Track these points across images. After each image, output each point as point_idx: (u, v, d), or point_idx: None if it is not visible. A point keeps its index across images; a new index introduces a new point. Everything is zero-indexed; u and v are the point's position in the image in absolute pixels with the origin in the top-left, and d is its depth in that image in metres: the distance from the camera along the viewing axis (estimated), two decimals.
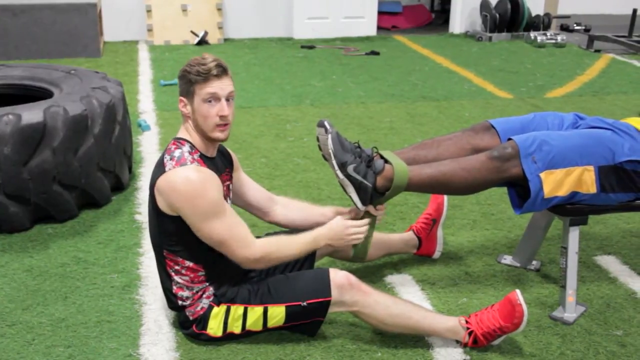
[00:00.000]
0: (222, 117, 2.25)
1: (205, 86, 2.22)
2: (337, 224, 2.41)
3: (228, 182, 2.45)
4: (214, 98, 2.24)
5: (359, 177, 2.39)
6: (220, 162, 2.40)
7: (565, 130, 2.61)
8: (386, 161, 2.46)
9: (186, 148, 2.27)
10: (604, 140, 2.48)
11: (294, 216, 2.61)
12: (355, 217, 2.56)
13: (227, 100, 2.26)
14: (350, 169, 2.38)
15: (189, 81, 2.23)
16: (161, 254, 2.35)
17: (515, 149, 2.42)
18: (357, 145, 2.46)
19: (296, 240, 2.38)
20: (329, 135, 2.38)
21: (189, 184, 2.19)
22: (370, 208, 2.48)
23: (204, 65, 2.21)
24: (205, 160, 2.30)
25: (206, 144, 2.32)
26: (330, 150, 2.38)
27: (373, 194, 2.43)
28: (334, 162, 2.39)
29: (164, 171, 2.23)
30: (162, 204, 2.25)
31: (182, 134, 2.33)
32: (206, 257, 2.33)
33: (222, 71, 2.23)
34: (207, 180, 2.22)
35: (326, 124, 2.40)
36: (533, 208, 2.49)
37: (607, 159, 2.46)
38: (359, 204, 2.44)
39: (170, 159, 2.24)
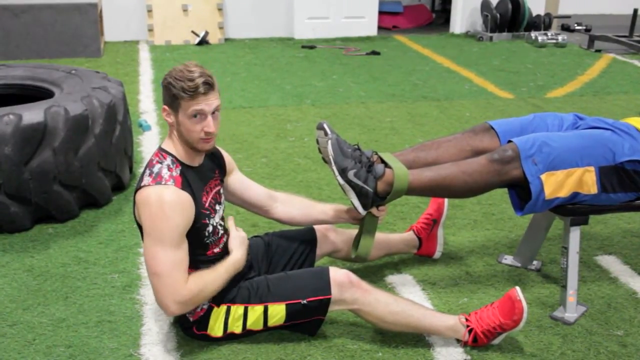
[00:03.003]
0: (207, 133, 2.20)
1: (191, 103, 2.16)
2: (235, 239, 2.38)
3: (218, 187, 2.41)
4: (200, 114, 2.18)
5: (359, 183, 2.39)
6: (207, 168, 2.37)
7: (565, 131, 2.61)
8: (386, 165, 2.46)
9: (167, 162, 2.23)
10: (604, 141, 2.48)
11: (295, 213, 2.61)
12: (356, 218, 2.56)
13: (213, 113, 2.20)
14: (350, 174, 2.38)
15: (174, 95, 2.16)
16: None
17: (516, 152, 2.42)
18: (357, 148, 2.45)
19: (217, 273, 2.28)
20: (329, 141, 2.38)
21: (157, 204, 2.15)
22: (372, 209, 2.48)
23: (191, 81, 2.13)
24: (188, 172, 2.26)
25: (191, 153, 2.28)
26: (331, 156, 2.38)
27: (374, 198, 2.43)
28: (334, 167, 2.39)
29: (140, 186, 2.21)
30: (137, 216, 2.25)
31: (166, 144, 2.29)
32: (203, 262, 2.32)
33: (209, 88, 2.16)
34: (176, 205, 2.16)
35: (325, 127, 2.39)
36: (534, 209, 2.49)
37: (607, 160, 2.46)
38: (360, 209, 2.44)
39: (149, 175, 2.21)
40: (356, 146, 2.47)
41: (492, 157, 2.45)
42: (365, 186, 2.40)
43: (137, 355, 2.36)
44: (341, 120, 4.93)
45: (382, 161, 2.49)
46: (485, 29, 8.00)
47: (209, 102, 2.17)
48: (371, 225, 2.52)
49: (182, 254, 2.20)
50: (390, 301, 2.38)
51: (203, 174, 2.34)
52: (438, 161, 2.58)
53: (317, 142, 2.44)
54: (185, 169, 2.26)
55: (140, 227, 2.27)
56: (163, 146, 2.30)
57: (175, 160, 2.25)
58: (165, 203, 2.15)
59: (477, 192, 2.53)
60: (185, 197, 2.20)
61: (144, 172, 2.25)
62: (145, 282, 2.80)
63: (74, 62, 6.42)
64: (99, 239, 3.16)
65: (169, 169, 2.22)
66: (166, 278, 2.17)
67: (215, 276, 2.27)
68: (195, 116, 2.17)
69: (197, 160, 2.31)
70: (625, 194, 2.53)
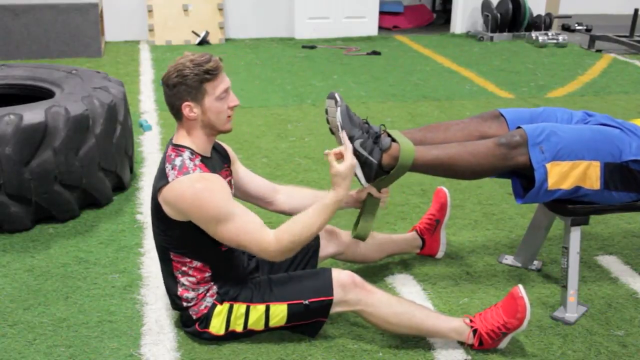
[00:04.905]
0: (233, 107, 2.27)
1: (217, 83, 2.21)
2: (337, 176, 2.26)
3: (229, 178, 2.44)
4: (227, 91, 2.24)
5: (364, 153, 2.38)
6: (217, 160, 2.39)
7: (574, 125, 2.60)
8: (393, 140, 2.45)
9: (186, 155, 2.24)
10: (612, 138, 2.48)
11: (298, 204, 2.58)
12: (358, 201, 2.54)
13: None
14: (357, 144, 2.37)
15: (199, 82, 2.18)
16: (167, 256, 2.34)
17: (524, 138, 2.41)
18: (366, 122, 2.45)
19: (308, 215, 2.25)
20: (339, 108, 2.36)
21: (196, 193, 2.16)
22: (373, 190, 2.47)
23: (208, 62, 2.19)
24: (206, 161, 2.29)
25: (207, 143, 2.30)
26: (339, 123, 2.36)
27: (378, 171, 2.42)
28: (341, 135, 2.38)
29: (167, 182, 2.20)
30: (170, 212, 2.23)
31: (181, 140, 2.28)
32: (214, 257, 2.33)
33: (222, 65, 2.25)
34: (213, 185, 2.20)
35: (337, 96, 2.38)
36: (536, 199, 2.48)
37: (614, 157, 2.45)
38: (363, 181, 2.43)
39: (172, 168, 2.21)
40: (365, 120, 2.46)
41: (499, 140, 2.44)
42: (370, 157, 2.39)
43: (138, 355, 2.36)
44: None
45: (389, 136, 2.48)
46: (486, 29, 7.99)
47: (226, 79, 2.25)
48: (372, 207, 2.51)
49: (244, 216, 2.22)
50: (393, 302, 2.38)
51: (216, 164, 2.36)
52: (445, 144, 2.56)
53: (327, 112, 2.42)
54: (203, 159, 2.28)
55: (165, 220, 2.25)
56: (176, 142, 2.29)
57: (193, 152, 2.27)
58: (200, 190, 2.17)
59: (481, 174, 2.51)
60: (216, 176, 2.24)
61: (164, 167, 2.24)
62: (145, 282, 2.80)
63: (75, 62, 6.42)
64: (99, 239, 3.16)
65: (191, 159, 2.24)
66: (246, 241, 2.22)
67: (305, 220, 2.24)
68: (223, 94, 2.23)
69: (209, 151, 2.33)
70: (627, 193, 2.52)
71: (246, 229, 2.22)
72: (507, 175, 2.57)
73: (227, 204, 2.22)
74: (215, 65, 2.19)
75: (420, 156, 2.43)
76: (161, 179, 2.24)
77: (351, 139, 2.36)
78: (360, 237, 2.52)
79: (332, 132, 2.44)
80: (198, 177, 2.20)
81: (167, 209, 2.23)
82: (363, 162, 2.39)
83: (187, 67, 2.18)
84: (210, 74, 2.19)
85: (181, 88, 2.20)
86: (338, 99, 2.37)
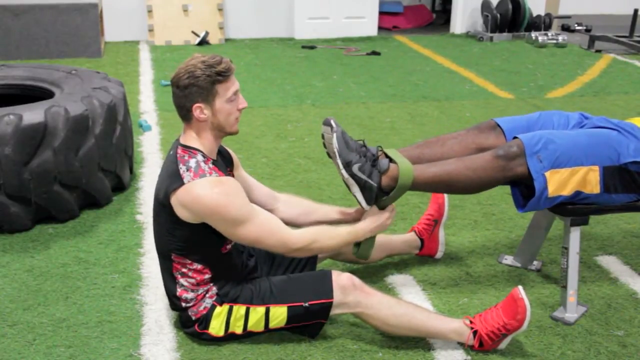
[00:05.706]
0: (242, 109, 2.28)
1: (229, 85, 2.22)
2: (375, 217, 2.45)
3: None
4: (236, 93, 2.25)
5: (363, 177, 2.39)
6: (221, 163, 2.39)
7: (571, 129, 2.61)
8: (391, 160, 2.46)
9: (199, 157, 2.24)
10: (610, 141, 2.48)
11: (296, 214, 2.60)
12: (358, 220, 2.55)
13: None
14: (355, 168, 2.38)
15: (211, 83, 2.18)
16: (169, 257, 2.33)
17: (521, 148, 2.42)
18: (363, 144, 2.45)
19: (337, 231, 2.40)
20: (334, 134, 2.37)
21: (214, 197, 2.17)
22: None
23: (221, 64, 2.19)
24: (216, 164, 2.29)
25: (214, 145, 2.31)
26: (335, 149, 2.37)
27: (378, 193, 2.42)
28: (338, 161, 2.38)
29: (182, 183, 2.19)
30: (184, 214, 2.22)
31: (190, 141, 2.28)
32: (215, 258, 2.33)
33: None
34: (230, 188, 2.21)
35: (332, 122, 2.39)
36: (537, 207, 2.49)
37: (612, 160, 2.45)
38: (364, 204, 2.44)
39: (187, 170, 2.21)
40: (362, 142, 2.46)
41: (497, 153, 2.44)
42: (370, 180, 2.39)
43: (137, 355, 2.36)
44: (341, 120, 4.92)
45: (387, 156, 2.49)
46: (486, 29, 8.00)
47: (236, 81, 2.27)
48: None
49: (261, 215, 2.27)
50: (393, 303, 2.38)
51: (221, 168, 2.35)
52: (443, 158, 2.56)
53: (323, 137, 2.43)
54: (213, 162, 2.29)
55: (175, 222, 2.24)
56: (186, 143, 2.28)
57: (204, 154, 2.27)
58: (218, 193, 2.18)
59: (482, 188, 2.52)
60: (232, 180, 2.26)
61: (177, 168, 2.22)
62: (145, 282, 2.80)
63: (75, 62, 6.42)
64: (99, 239, 3.16)
65: (205, 162, 2.24)
66: (266, 239, 2.26)
67: (332, 232, 2.38)
68: (233, 96, 2.23)
69: (215, 154, 2.34)
70: (627, 195, 2.52)
71: (267, 227, 2.26)
72: (508, 184, 2.57)
73: (246, 206, 2.24)
74: (227, 66, 2.20)
75: (419, 175, 2.44)
76: (175, 181, 2.22)
77: (349, 163, 2.37)
78: (362, 257, 2.54)
79: (330, 157, 2.45)
80: (216, 181, 2.20)
81: (180, 211, 2.22)
82: (362, 186, 2.40)
83: (199, 68, 2.18)
84: (223, 75, 2.19)
85: (193, 89, 2.19)
86: (334, 124, 2.38)
